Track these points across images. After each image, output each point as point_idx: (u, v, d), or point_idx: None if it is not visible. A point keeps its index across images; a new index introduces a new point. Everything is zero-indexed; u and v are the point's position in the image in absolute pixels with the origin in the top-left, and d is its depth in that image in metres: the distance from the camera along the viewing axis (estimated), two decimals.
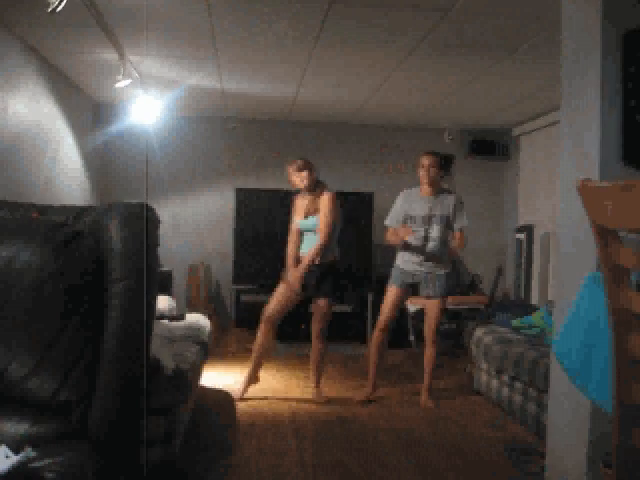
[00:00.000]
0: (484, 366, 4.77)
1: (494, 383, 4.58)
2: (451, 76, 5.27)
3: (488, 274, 7.31)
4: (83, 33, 4.32)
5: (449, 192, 4.72)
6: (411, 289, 4.69)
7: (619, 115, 2.58)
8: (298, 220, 4.71)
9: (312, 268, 4.59)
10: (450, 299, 6.69)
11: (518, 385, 4.18)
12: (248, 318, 6.64)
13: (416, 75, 5.26)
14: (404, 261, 4.64)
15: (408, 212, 4.61)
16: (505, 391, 4.39)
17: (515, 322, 4.96)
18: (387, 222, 4.74)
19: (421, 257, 4.57)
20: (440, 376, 5.41)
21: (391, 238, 4.61)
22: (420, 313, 6.42)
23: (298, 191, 4.82)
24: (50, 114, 5.37)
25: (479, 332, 4.92)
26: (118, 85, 4.75)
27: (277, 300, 4.69)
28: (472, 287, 7.30)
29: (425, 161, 4.61)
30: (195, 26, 4.17)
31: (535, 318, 4.89)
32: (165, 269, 6.39)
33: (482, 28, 4.05)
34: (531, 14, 3.76)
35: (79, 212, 1.99)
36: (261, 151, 7.43)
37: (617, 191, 1.43)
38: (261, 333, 4.73)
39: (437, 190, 4.63)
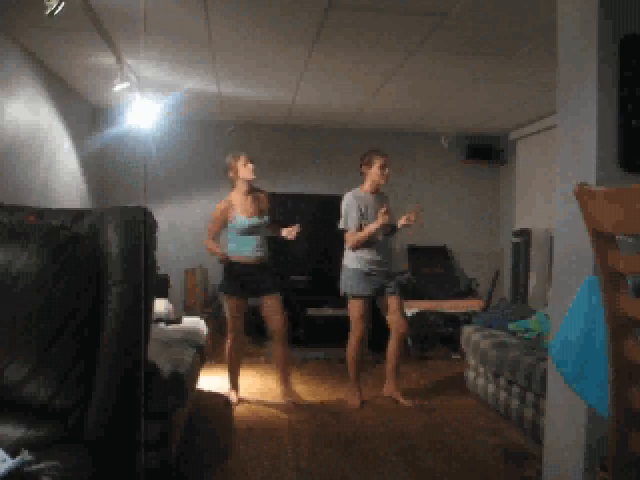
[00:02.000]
0: (481, 370, 4.77)
1: (491, 387, 4.58)
2: (448, 81, 5.28)
3: (485, 278, 7.32)
4: (81, 37, 4.32)
5: (383, 192, 4.86)
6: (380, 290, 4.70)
7: (616, 120, 2.58)
8: (246, 220, 4.59)
9: (255, 269, 4.59)
10: (447, 303, 6.74)
11: (515, 389, 4.18)
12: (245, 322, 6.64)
13: (413, 80, 5.27)
14: (367, 265, 4.62)
15: (362, 212, 4.63)
16: (502, 395, 4.39)
17: (512, 326, 4.95)
18: (346, 226, 4.65)
19: (382, 257, 4.62)
20: (436, 380, 5.41)
21: (359, 235, 4.57)
22: (417, 318, 6.43)
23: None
24: (48, 118, 5.37)
25: (475, 336, 4.91)
26: (116, 89, 4.75)
27: (231, 314, 4.66)
28: (469, 291, 7.31)
29: (384, 161, 4.70)
30: (193, 30, 4.17)
31: (532, 322, 4.89)
32: (162, 273, 6.38)
33: (479, 33, 4.06)
34: (528, 19, 3.77)
35: (76, 216, 1.99)
36: (258, 155, 7.40)
37: (614, 196, 1.44)
38: (229, 346, 4.71)
39: (378, 188, 4.77)
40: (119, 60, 4.59)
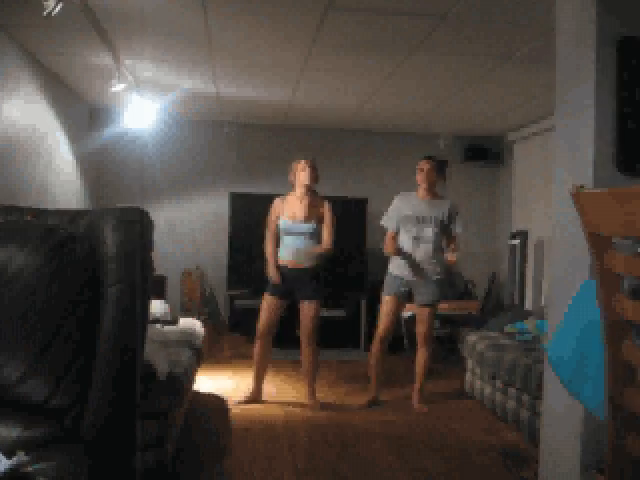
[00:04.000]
0: (478, 372, 4.77)
1: (488, 389, 4.59)
2: (446, 82, 5.28)
3: (482, 280, 7.32)
4: (79, 37, 4.31)
5: (444, 198, 4.76)
6: (408, 295, 4.69)
7: (613, 122, 2.59)
8: (290, 221, 4.62)
9: (296, 272, 4.57)
10: (444, 305, 6.74)
11: (512, 391, 4.19)
12: (242, 323, 6.64)
13: (411, 81, 5.28)
14: (397, 266, 4.64)
15: (403, 212, 4.63)
16: (499, 397, 4.39)
17: (508, 328, 4.96)
18: (384, 223, 4.72)
19: (415, 263, 4.58)
20: (434, 381, 5.42)
21: (387, 246, 4.60)
22: (413, 319, 6.43)
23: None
24: (45, 118, 5.37)
25: (473, 338, 4.92)
26: (113, 89, 4.74)
27: (265, 314, 4.65)
28: (466, 293, 7.31)
29: (425, 165, 4.66)
30: (190, 30, 4.17)
31: (529, 324, 4.90)
32: (159, 274, 6.37)
33: (477, 35, 4.07)
34: (526, 21, 3.78)
35: (74, 216, 1.98)
36: (256, 156, 7.43)
37: (611, 198, 1.44)
38: (259, 348, 4.69)
39: (433, 194, 4.68)
40: (117, 60, 4.59)
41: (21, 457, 1.55)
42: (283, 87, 5.67)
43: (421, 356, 4.70)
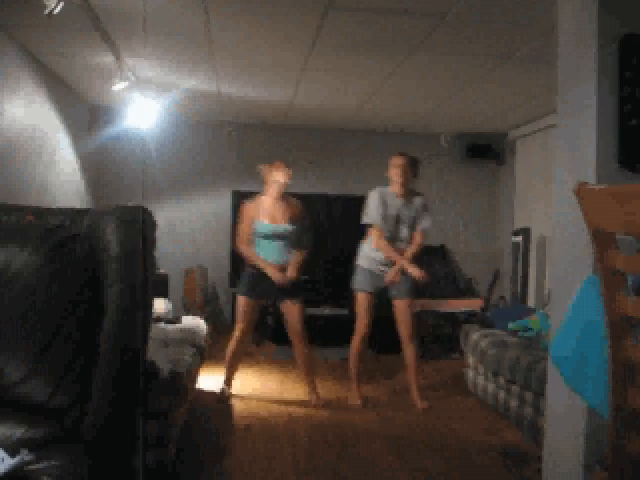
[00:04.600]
0: (480, 369, 4.77)
1: (490, 387, 4.58)
2: (447, 81, 5.28)
3: (484, 277, 7.32)
4: (80, 36, 4.31)
5: (417, 194, 4.74)
6: (384, 291, 4.68)
7: (615, 119, 2.58)
8: (270, 225, 4.54)
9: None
10: (446, 303, 6.73)
11: (514, 389, 4.18)
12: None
13: (412, 79, 5.27)
14: (370, 262, 4.63)
15: (385, 210, 4.59)
16: (501, 395, 4.39)
17: (511, 325, 4.95)
18: (370, 220, 4.64)
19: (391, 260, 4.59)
20: (434, 379, 5.41)
21: (388, 249, 4.56)
22: (417, 316, 6.43)
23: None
24: (46, 117, 5.37)
25: (475, 335, 4.91)
26: (114, 88, 4.74)
27: (245, 317, 4.63)
28: (468, 290, 7.31)
29: (399, 161, 4.61)
30: (192, 30, 4.17)
31: (531, 321, 4.89)
32: (161, 272, 6.37)
33: (477, 35, 4.06)
34: (526, 21, 3.77)
35: (75, 215, 1.98)
36: (257, 154, 7.40)
37: (614, 194, 1.43)
38: (237, 348, 4.71)
39: (408, 191, 4.66)
40: (118, 59, 4.59)
41: (24, 455, 1.55)
42: (283, 87, 5.67)
43: (410, 352, 4.68)
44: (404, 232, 4.60)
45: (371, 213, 4.62)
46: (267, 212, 4.55)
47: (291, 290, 4.57)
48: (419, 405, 4.63)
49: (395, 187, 4.62)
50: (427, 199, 4.74)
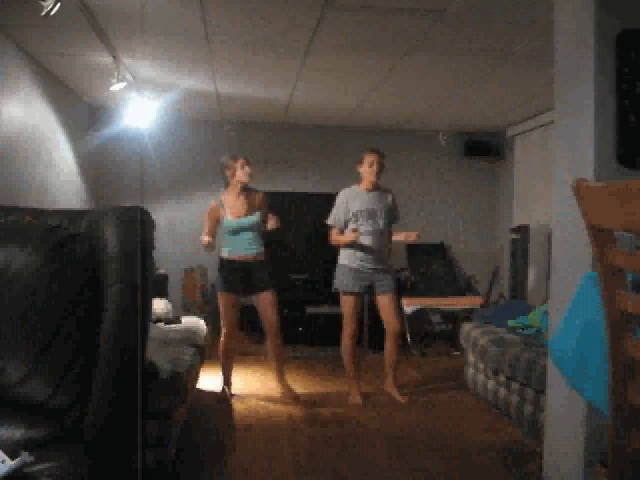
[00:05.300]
0: (480, 367, 4.77)
1: (490, 384, 4.58)
2: (445, 79, 5.27)
3: (484, 275, 7.31)
4: (77, 36, 4.30)
5: (385, 189, 4.86)
6: (369, 289, 4.72)
7: (613, 115, 2.58)
8: (235, 220, 4.63)
9: (246, 265, 4.62)
10: (446, 301, 6.74)
11: (514, 386, 4.18)
12: (244, 321, 6.63)
13: (410, 78, 5.26)
14: (356, 261, 4.66)
15: (354, 207, 4.67)
16: (501, 392, 4.39)
17: (511, 322, 4.96)
18: (330, 222, 4.77)
19: (373, 255, 4.63)
20: (435, 378, 5.42)
21: (339, 239, 4.67)
22: (416, 315, 6.44)
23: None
24: (45, 117, 5.36)
25: (475, 333, 4.92)
26: (113, 88, 4.74)
27: (229, 312, 4.70)
28: (467, 288, 7.31)
29: (375, 158, 4.73)
30: (190, 29, 4.16)
31: (531, 318, 4.89)
32: (161, 272, 6.37)
33: (476, 32, 4.05)
34: (525, 20, 3.76)
35: (74, 216, 1.98)
36: (256, 154, 7.40)
37: (612, 191, 1.43)
38: (229, 344, 4.75)
39: (378, 186, 4.77)
40: (116, 59, 4.58)
41: (25, 457, 1.55)
42: (282, 86, 5.66)
43: (390, 347, 4.72)
44: (380, 225, 4.68)
45: (332, 215, 4.77)
46: (231, 208, 4.67)
47: (263, 281, 4.66)
48: (401, 400, 4.67)
49: (367, 183, 4.75)
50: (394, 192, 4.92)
